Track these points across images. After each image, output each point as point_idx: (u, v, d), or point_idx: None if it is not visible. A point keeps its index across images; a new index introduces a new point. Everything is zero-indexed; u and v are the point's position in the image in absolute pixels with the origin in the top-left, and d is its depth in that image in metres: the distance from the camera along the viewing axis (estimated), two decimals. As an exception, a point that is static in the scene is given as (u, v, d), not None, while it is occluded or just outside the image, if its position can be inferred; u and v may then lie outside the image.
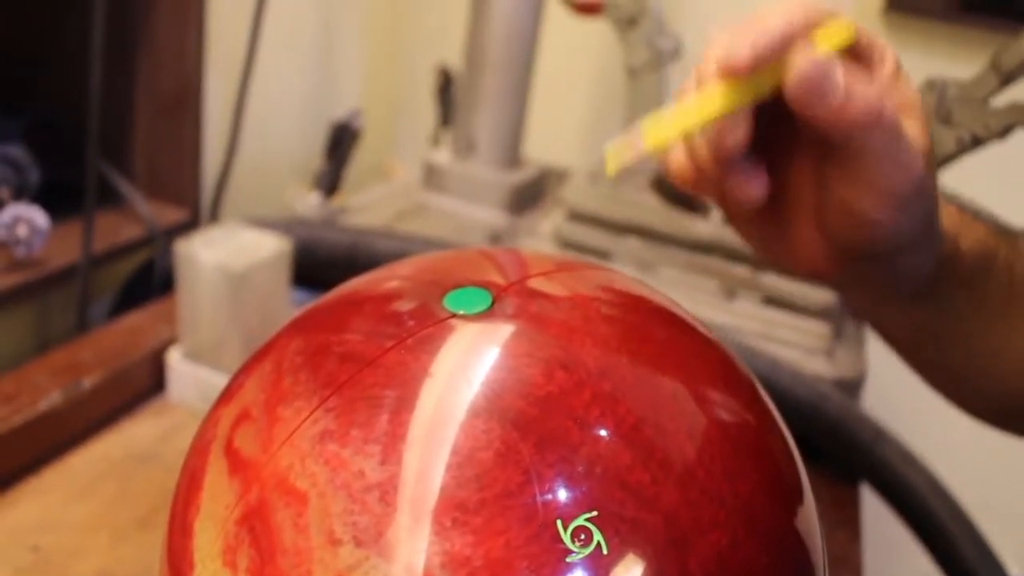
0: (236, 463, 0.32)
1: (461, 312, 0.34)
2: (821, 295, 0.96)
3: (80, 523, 0.69)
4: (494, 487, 0.28)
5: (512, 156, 1.16)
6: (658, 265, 1.00)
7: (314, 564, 0.29)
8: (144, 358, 0.85)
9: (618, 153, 0.39)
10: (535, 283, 0.37)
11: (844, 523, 0.81)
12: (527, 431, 0.29)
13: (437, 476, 0.29)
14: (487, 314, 0.34)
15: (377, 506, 0.29)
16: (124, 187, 1.05)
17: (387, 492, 0.29)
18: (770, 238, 0.47)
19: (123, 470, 0.76)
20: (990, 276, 0.50)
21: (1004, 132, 0.82)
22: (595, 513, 0.28)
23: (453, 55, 1.17)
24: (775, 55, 0.38)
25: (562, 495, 0.28)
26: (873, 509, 0.92)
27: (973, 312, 0.51)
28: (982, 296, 0.51)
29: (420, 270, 0.38)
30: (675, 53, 1.26)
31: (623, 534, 0.28)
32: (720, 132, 0.40)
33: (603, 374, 0.32)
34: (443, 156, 1.18)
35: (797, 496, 0.35)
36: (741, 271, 0.98)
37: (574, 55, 1.45)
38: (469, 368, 0.31)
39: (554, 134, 1.42)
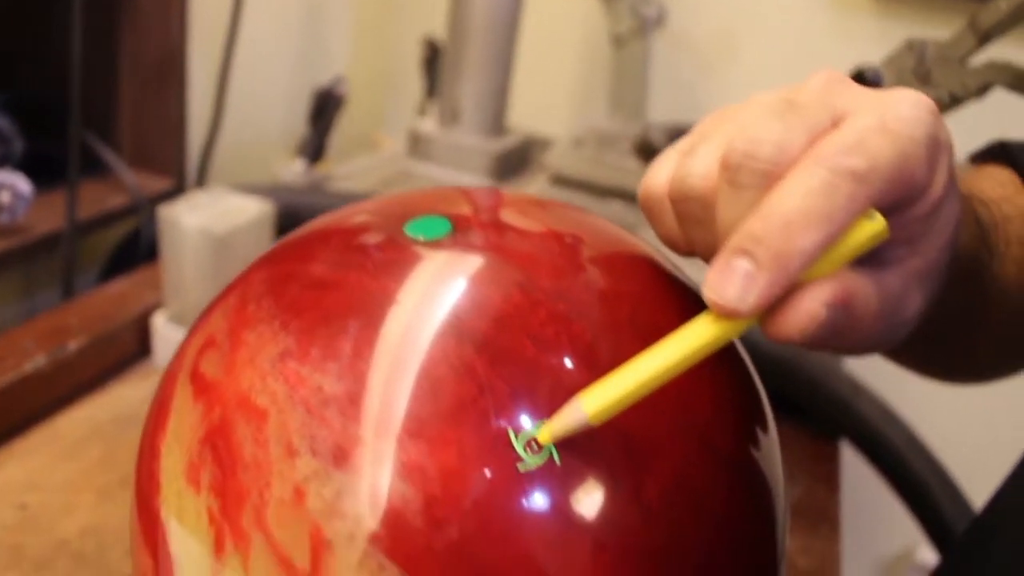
0: (201, 387, 0.33)
1: (420, 238, 0.34)
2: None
3: (66, 482, 0.70)
4: (448, 400, 0.29)
5: (496, 124, 1.16)
6: (640, 227, 1.00)
7: (272, 476, 0.29)
8: (129, 322, 0.86)
9: (554, 429, 0.29)
10: (502, 214, 0.37)
11: (823, 478, 0.82)
12: (482, 347, 0.30)
13: (392, 390, 0.29)
14: (446, 241, 0.34)
15: (334, 419, 0.29)
16: (109, 157, 1.05)
17: (343, 405, 0.29)
18: None
19: (109, 432, 0.76)
20: (964, 282, 0.48)
21: (982, 91, 0.82)
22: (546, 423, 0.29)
23: (440, 27, 1.18)
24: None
25: (515, 408, 0.29)
26: (852, 464, 0.93)
27: (941, 318, 0.47)
28: (959, 298, 0.48)
29: (389, 204, 0.39)
30: (659, 20, 1.26)
31: (576, 447, 0.29)
32: None
33: (560, 296, 0.32)
34: (428, 125, 1.18)
35: (756, 424, 0.35)
36: (723, 233, 0.98)
37: (559, 23, 1.45)
38: (426, 290, 0.32)
39: (539, 102, 1.42)
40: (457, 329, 0.31)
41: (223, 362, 0.33)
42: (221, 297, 0.37)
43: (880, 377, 0.98)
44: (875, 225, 0.30)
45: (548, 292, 0.32)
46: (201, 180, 1.14)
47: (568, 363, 0.30)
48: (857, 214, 0.29)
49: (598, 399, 0.29)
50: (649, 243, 0.40)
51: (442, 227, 0.35)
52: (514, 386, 0.29)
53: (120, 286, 0.91)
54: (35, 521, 0.66)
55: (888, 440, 0.84)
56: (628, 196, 1.02)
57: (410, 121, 1.27)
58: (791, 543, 0.72)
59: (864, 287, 0.31)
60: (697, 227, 0.32)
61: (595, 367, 0.30)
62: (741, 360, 0.37)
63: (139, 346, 0.86)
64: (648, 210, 0.36)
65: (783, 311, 0.30)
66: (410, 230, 0.35)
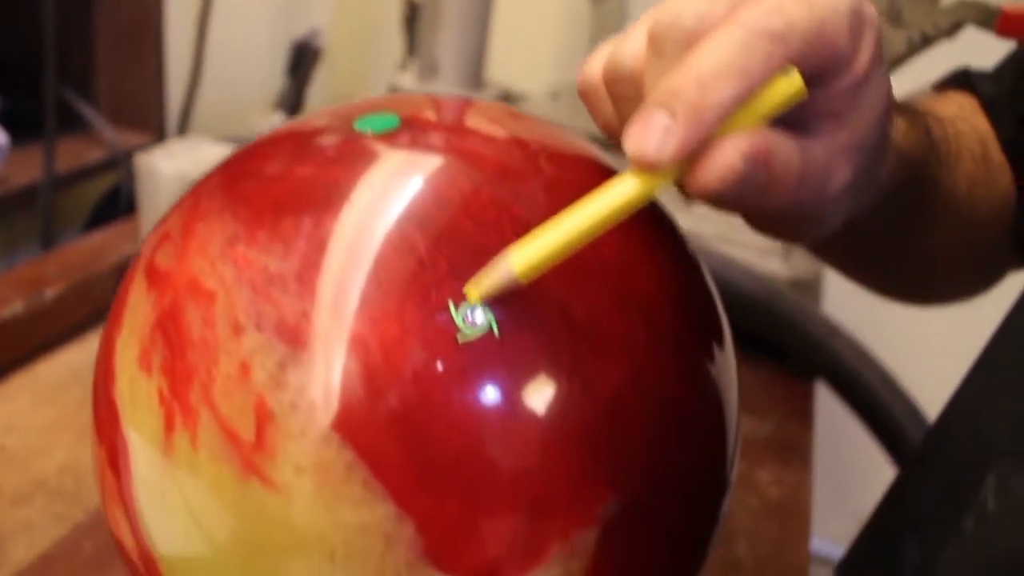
0: (154, 278, 0.34)
1: (369, 132, 0.35)
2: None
3: (45, 424, 0.71)
4: (390, 275, 0.30)
5: (475, 78, 1.16)
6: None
7: (220, 353, 0.30)
8: (107, 272, 0.86)
9: (482, 284, 0.30)
10: (464, 118, 0.38)
11: (797, 414, 0.83)
12: (424, 226, 0.31)
13: (335, 267, 0.30)
14: (397, 137, 0.35)
15: (278, 296, 0.30)
16: (87, 111, 1.05)
17: (288, 283, 0.30)
18: None
19: (88, 377, 0.75)
20: (913, 188, 0.48)
21: (952, 30, 0.83)
22: (487, 299, 0.30)
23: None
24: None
25: (455, 282, 0.30)
26: (829, 406, 0.94)
27: (891, 224, 0.49)
28: (906, 205, 0.49)
29: (353, 107, 0.39)
30: (636, -27, 1.26)
31: (515, 318, 0.30)
32: None
33: (502, 183, 0.33)
34: (407, 79, 1.18)
35: (703, 311, 0.36)
36: (698, 178, 0.99)
37: (537, -23, 1.45)
38: (372, 177, 0.33)
39: (518, 57, 1.42)
40: (400, 211, 0.31)
41: (175, 252, 0.33)
42: (178, 202, 0.38)
43: (855, 318, 0.99)
44: (792, 83, 0.30)
45: (492, 180, 0.33)
46: (182, 134, 1.14)
47: (507, 241, 0.31)
48: (773, 71, 0.30)
49: (525, 254, 0.29)
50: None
51: (390, 122, 0.35)
52: (454, 262, 0.30)
53: (99, 238, 0.92)
54: (13, 461, 0.66)
55: (862, 379, 0.85)
56: (605, 146, 1.02)
57: (392, 76, 1.27)
58: (762, 475, 0.73)
59: (785, 146, 0.32)
60: (631, 105, 0.33)
61: None
62: (689, 255, 0.38)
63: (118, 294, 0.87)
64: (586, 99, 0.37)
65: (702, 163, 0.30)
66: (359, 124, 0.35)
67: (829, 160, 0.34)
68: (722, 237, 0.92)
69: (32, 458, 0.67)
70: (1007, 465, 0.32)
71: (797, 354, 0.86)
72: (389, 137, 0.34)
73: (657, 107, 0.30)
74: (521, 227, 0.31)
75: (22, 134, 0.98)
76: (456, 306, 0.29)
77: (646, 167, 0.30)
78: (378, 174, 0.33)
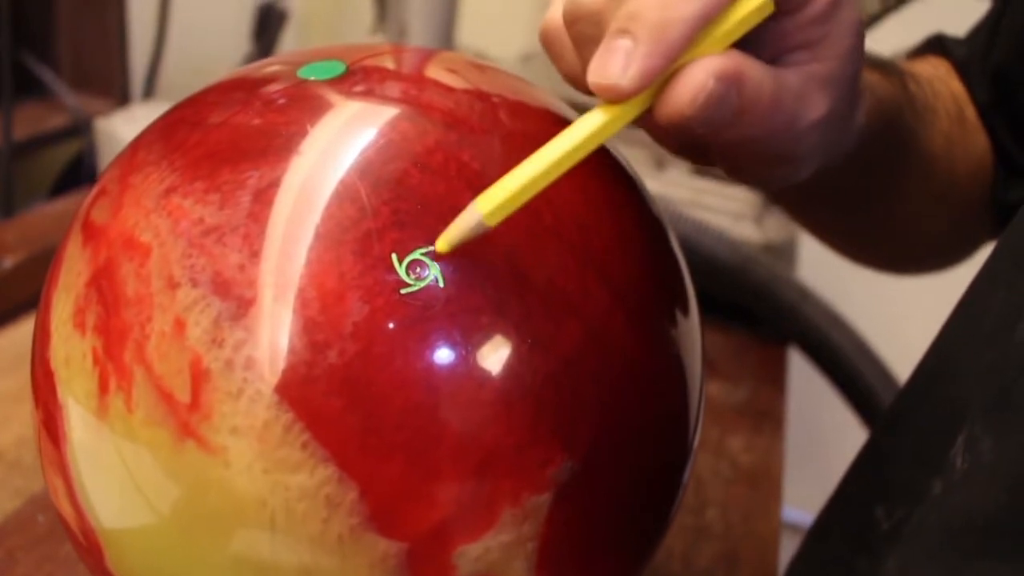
0: (89, 233, 0.32)
1: (311, 78, 0.33)
2: (751, 166, 0.96)
3: (5, 395, 0.69)
4: (329, 223, 0.28)
5: (445, 42, 1.14)
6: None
7: (154, 310, 0.29)
8: (69, 240, 0.84)
9: (449, 233, 0.29)
10: (424, 69, 0.36)
11: (769, 380, 0.83)
12: (364, 172, 0.29)
13: (271, 217, 0.29)
14: (347, 90, 0.33)
15: (214, 247, 0.28)
16: (47, 76, 1.03)
17: (224, 234, 0.29)
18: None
19: (48, 346, 0.75)
20: (890, 139, 0.48)
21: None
22: (431, 248, 0.28)
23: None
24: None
25: (398, 231, 0.28)
26: (803, 371, 0.93)
27: (867, 176, 0.49)
28: (882, 156, 0.48)
29: (298, 54, 0.37)
30: (610, -65, 1.24)
31: (461, 269, 0.28)
32: None
33: (449, 127, 0.31)
34: (377, 41, 1.16)
35: (663, 270, 0.35)
36: (671, 143, 0.98)
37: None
38: (311, 122, 0.31)
39: (489, 22, 1.40)
40: (340, 157, 0.30)
41: (111, 206, 0.32)
42: (119, 154, 0.36)
43: (829, 283, 0.98)
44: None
45: (438, 124, 0.31)
46: (146, 100, 1.12)
47: (454, 188, 0.29)
48: None
49: (491, 198, 0.28)
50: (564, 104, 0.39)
51: (335, 69, 0.34)
52: (398, 210, 0.29)
53: (60, 205, 0.90)
54: (-30, 432, 0.65)
55: (834, 344, 0.84)
56: (576, 109, 1.01)
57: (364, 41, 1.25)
58: (734, 442, 0.73)
59: (757, 69, 0.31)
60: (593, 47, 0.31)
61: (481, 190, 0.29)
62: (647, 204, 0.37)
63: (79, 263, 0.85)
64: (549, 47, 0.36)
65: (672, 86, 0.29)
66: (303, 72, 0.34)
67: (802, 90, 0.33)
68: (695, 203, 0.91)
69: (-11, 429, 0.65)
70: (976, 426, 0.31)
71: (769, 320, 0.85)
72: (339, 85, 0.33)
73: (618, 34, 0.29)
74: (470, 174, 0.30)
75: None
76: (400, 257, 0.28)
77: (611, 97, 0.29)
78: (322, 122, 0.31)
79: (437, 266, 0.28)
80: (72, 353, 0.31)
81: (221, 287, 0.28)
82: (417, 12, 1.12)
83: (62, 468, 0.32)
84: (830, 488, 0.45)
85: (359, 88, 0.33)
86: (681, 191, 0.92)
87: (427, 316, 0.28)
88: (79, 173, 1.05)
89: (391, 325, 0.27)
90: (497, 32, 1.40)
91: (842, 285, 1.06)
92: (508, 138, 0.33)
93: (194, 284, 0.28)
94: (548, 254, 0.30)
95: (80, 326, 0.30)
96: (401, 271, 0.28)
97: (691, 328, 0.36)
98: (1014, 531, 0.28)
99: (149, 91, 1.11)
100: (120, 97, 1.07)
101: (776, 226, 0.90)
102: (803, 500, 1.04)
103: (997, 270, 0.36)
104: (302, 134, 0.31)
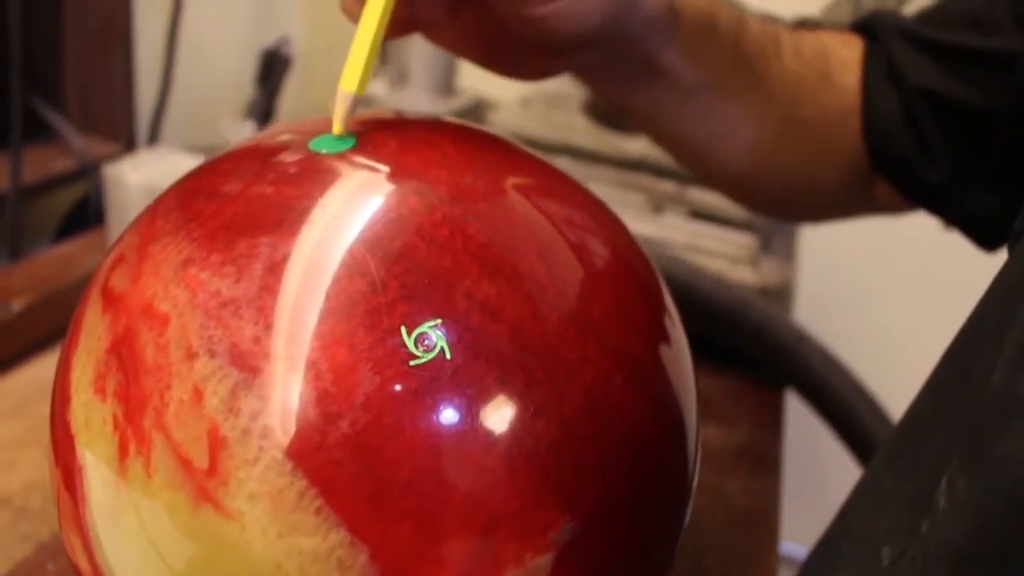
0: (109, 300, 0.33)
1: (323, 151, 0.35)
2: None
3: (11, 439, 0.70)
4: (340, 297, 0.30)
5: (445, 85, 1.16)
6: (588, 182, 1.01)
7: (173, 378, 0.30)
8: (76, 283, 0.85)
9: (338, 116, 0.37)
10: (427, 137, 0.38)
11: (767, 423, 0.83)
12: (374, 247, 0.31)
13: (287, 291, 0.30)
14: (353, 159, 0.35)
15: (230, 320, 0.30)
16: (55, 120, 1.05)
17: (239, 307, 0.30)
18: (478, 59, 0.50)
19: (55, 390, 0.76)
20: (713, 50, 0.53)
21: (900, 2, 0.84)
22: (439, 321, 0.30)
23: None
24: None
25: (406, 304, 0.30)
26: (800, 414, 0.94)
27: (697, 89, 0.53)
28: (705, 71, 0.53)
29: (306, 124, 0.39)
30: (608, -20, 1.26)
31: (466, 341, 0.30)
32: None
33: (455, 200, 0.33)
34: (378, 86, 1.18)
35: (658, 330, 0.36)
36: (668, 186, 0.99)
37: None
38: (323, 196, 0.32)
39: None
40: (351, 232, 0.31)
41: (130, 274, 0.33)
42: (135, 219, 0.37)
43: (826, 326, 0.99)
44: None
45: (444, 197, 0.33)
46: (152, 143, 1.13)
47: (460, 261, 0.31)
48: None
49: (350, 76, 0.37)
50: (586, 187, 0.40)
51: (345, 142, 0.35)
52: (406, 284, 0.30)
53: (67, 248, 0.91)
54: (-22, 477, 0.66)
55: (832, 387, 0.85)
56: (575, 152, 1.03)
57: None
58: (731, 485, 0.74)
59: None
60: None
61: (489, 264, 0.31)
62: (646, 267, 0.38)
63: (86, 306, 0.86)
64: None
65: None
66: (313, 145, 0.35)
67: None
68: (692, 246, 0.92)
69: (-3, 474, 0.66)
70: (955, 468, 0.33)
71: (766, 363, 0.87)
72: (348, 158, 0.34)
73: None
74: (475, 247, 0.31)
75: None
76: (408, 330, 0.29)
77: None
78: (332, 195, 0.33)
79: (444, 338, 0.29)
80: (92, 417, 0.32)
81: (237, 358, 0.29)
82: (417, 56, 1.14)
83: (80, 526, 0.33)
84: (825, 523, 0.46)
85: (368, 162, 0.34)
86: (678, 235, 0.93)
87: (435, 387, 0.29)
88: (85, 215, 1.06)
89: (400, 396, 0.29)
90: (494, 77, 1.41)
91: (838, 327, 1.07)
92: (506, 203, 0.34)
93: (212, 355, 0.29)
94: (550, 326, 0.31)
95: (101, 391, 0.32)
96: (410, 343, 0.29)
97: (686, 381, 0.37)
98: (982, 561, 0.30)
99: (154, 134, 1.13)
100: (126, 140, 1.08)
101: (773, 270, 0.91)
102: (798, 534, 1.05)
103: (984, 319, 0.37)
104: (314, 208, 0.32)
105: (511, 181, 0.35)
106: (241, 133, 1.06)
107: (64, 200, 1.09)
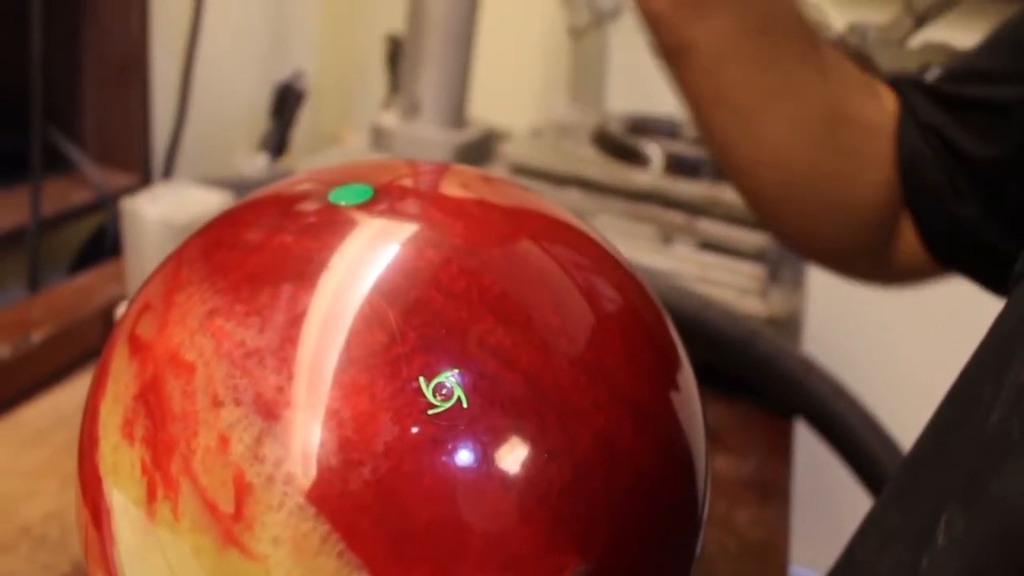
0: (135, 347, 0.35)
1: (342, 203, 0.36)
2: (755, 239, 0.98)
3: (30, 469, 0.71)
4: (361, 348, 0.31)
5: (457, 116, 1.18)
6: (598, 214, 1.02)
7: (199, 426, 0.31)
8: (94, 314, 0.87)
9: None
10: (438, 185, 0.39)
11: (776, 453, 0.84)
12: (393, 298, 0.32)
13: (309, 341, 0.31)
14: (371, 209, 0.36)
15: (254, 369, 0.31)
16: (73, 153, 1.06)
17: (263, 357, 0.31)
18: None
19: (74, 421, 0.77)
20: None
21: (921, 72, 0.84)
22: (456, 371, 0.31)
23: (406, 23, 1.19)
24: None
25: (424, 355, 0.31)
26: (810, 444, 0.95)
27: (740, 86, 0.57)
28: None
29: (331, 172, 0.40)
30: (615, 13, 1.28)
31: (483, 390, 0.31)
32: None
33: (472, 253, 0.34)
34: (390, 119, 1.20)
35: (667, 375, 0.37)
36: (677, 217, 1.01)
37: (518, 16, 1.47)
38: (345, 249, 0.34)
39: (500, 95, 1.44)
40: (372, 283, 0.32)
41: (156, 323, 0.34)
42: (161, 266, 0.39)
43: (835, 355, 1.00)
44: None
45: (460, 249, 0.34)
46: (167, 176, 1.15)
47: (476, 312, 0.32)
48: None
49: None
50: (595, 228, 0.41)
51: (364, 194, 0.36)
52: (424, 334, 0.31)
53: (84, 280, 0.92)
54: (-2, 507, 0.67)
55: (840, 417, 0.86)
56: (585, 184, 1.04)
57: (376, 115, 1.29)
58: (741, 515, 0.74)
59: None
60: None
61: (504, 315, 0.32)
62: (658, 315, 0.39)
63: (103, 338, 0.87)
64: None
65: None
66: (333, 197, 0.36)
67: None
68: (701, 277, 0.93)
69: (17, 504, 0.67)
70: (953, 507, 0.34)
71: (775, 392, 0.87)
72: (367, 210, 0.36)
73: None
74: (491, 298, 0.33)
75: (8, 173, 0.99)
76: (427, 380, 0.30)
77: None
78: (351, 246, 0.34)
79: (461, 387, 0.31)
80: (121, 461, 0.33)
81: (262, 407, 0.30)
82: (429, 87, 1.15)
83: (108, 565, 0.35)
84: (834, 550, 0.47)
85: (387, 214, 0.35)
86: (687, 266, 0.94)
87: (452, 434, 0.30)
88: (101, 246, 1.08)
89: (419, 444, 0.30)
90: (507, 105, 1.43)
91: (847, 357, 1.08)
92: (525, 254, 0.35)
93: (237, 403, 0.31)
94: (562, 373, 0.32)
95: (129, 436, 0.33)
96: (428, 393, 0.30)
97: (695, 422, 0.38)
98: None
99: (170, 166, 1.14)
100: (143, 172, 1.10)
101: (781, 300, 0.92)
102: (807, 560, 1.05)
103: (984, 359, 0.38)
104: (333, 259, 0.33)
105: (526, 229, 0.36)
106: (255, 165, 1.07)
107: (81, 231, 1.11)
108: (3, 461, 0.72)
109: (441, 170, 0.41)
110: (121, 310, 0.85)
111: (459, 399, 0.30)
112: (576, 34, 1.25)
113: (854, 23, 0.87)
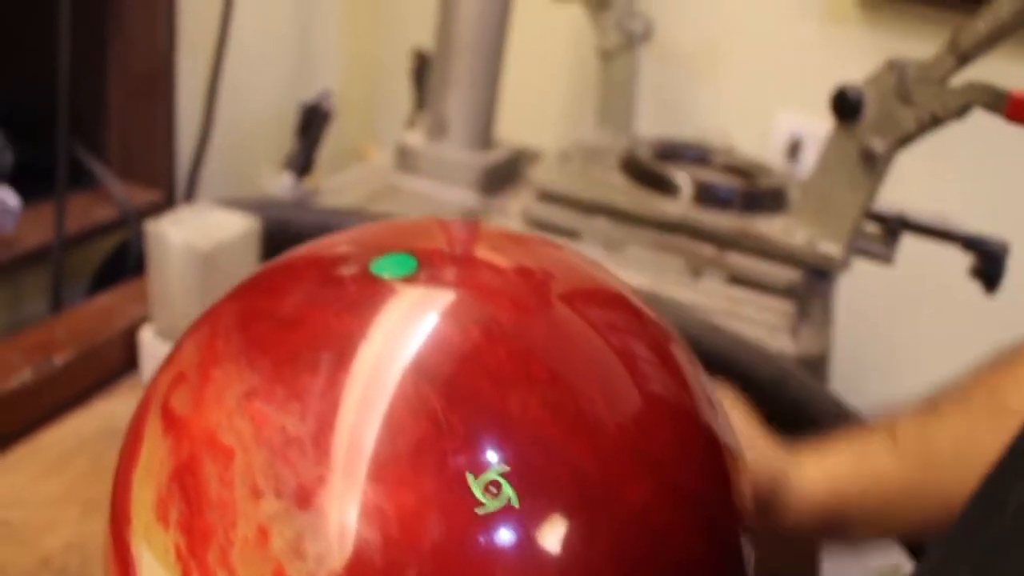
0: (170, 421, 0.33)
1: (385, 276, 0.35)
2: (786, 274, 0.97)
3: (50, 497, 0.70)
4: (407, 440, 0.30)
5: (484, 137, 1.16)
6: (626, 244, 1.01)
7: (238, 516, 0.30)
8: (116, 337, 0.86)
9: None
10: (474, 250, 0.38)
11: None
12: (441, 387, 0.31)
13: (355, 431, 0.30)
14: (411, 278, 0.35)
15: (297, 460, 0.30)
16: (97, 169, 1.06)
17: (306, 446, 0.30)
18: None
19: (95, 446, 0.77)
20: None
21: (962, 111, 0.83)
22: (506, 467, 0.30)
23: (431, 39, 1.18)
24: None
25: (473, 449, 0.30)
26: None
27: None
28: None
29: (365, 236, 0.39)
30: (646, 35, 1.27)
31: (534, 488, 0.30)
32: None
33: (519, 334, 0.33)
34: (416, 138, 1.18)
35: (720, 458, 0.36)
36: (707, 250, 0.99)
37: (547, 37, 1.45)
38: (390, 330, 0.33)
39: (528, 116, 1.42)
40: (418, 369, 0.31)
41: (191, 397, 0.33)
42: (194, 328, 0.38)
43: (862, 395, 0.98)
44: None
45: (508, 330, 0.33)
46: (190, 192, 1.14)
47: (525, 402, 0.31)
48: None
49: None
50: (621, 280, 0.40)
51: (407, 265, 0.35)
52: (472, 426, 0.30)
53: (107, 300, 0.91)
54: (17, 536, 0.66)
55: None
56: (613, 212, 1.03)
57: (399, 133, 1.28)
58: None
59: None
60: None
61: (552, 403, 0.31)
62: (707, 391, 0.38)
63: (126, 360, 0.87)
64: None
65: None
66: (376, 268, 0.35)
67: None
68: (730, 312, 0.92)
69: (37, 534, 0.66)
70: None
71: (805, 435, 0.86)
72: (410, 284, 0.35)
73: None
74: (539, 384, 0.31)
75: (30, 188, 0.98)
76: (475, 475, 0.29)
77: None
78: (394, 325, 0.33)
79: (510, 484, 0.29)
80: (155, 543, 0.32)
81: (304, 501, 0.29)
82: (458, 109, 1.14)
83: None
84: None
85: (429, 288, 0.34)
86: (717, 300, 0.93)
87: (501, 534, 0.29)
88: (123, 263, 1.07)
89: (467, 543, 0.29)
90: (534, 125, 1.42)
91: (875, 397, 1.06)
92: (573, 333, 0.34)
93: (277, 495, 0.29)
94: (612, 464, 0.31)
95: (163, 519, 0.32)
96: (477, 491, 0.29)
97: (741, 506, 0.37)
98: None
99: (193, 183, 1.14)
100: (166, 188, 1.09)
101: (811, 338, 0.91)
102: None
103: (1017, 442, 0.38)
104: (376, 339, 0.32)
105: (573, 303, 0.35)
106: (281, 184, 1.06)
107: (103, 247, 1.10)
108: (23, 489, 0.71)
109: (474, 232, 0.40)
110: (146, 334, 0.84)
111: (509, 498, 0.29)
112: (606, 56, 1.24)
113: (893, 59, 0.86)
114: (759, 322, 0.91)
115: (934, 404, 0.55)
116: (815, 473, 0.53)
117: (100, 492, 0.70)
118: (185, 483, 0.31)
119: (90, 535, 0.67)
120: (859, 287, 1.19)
